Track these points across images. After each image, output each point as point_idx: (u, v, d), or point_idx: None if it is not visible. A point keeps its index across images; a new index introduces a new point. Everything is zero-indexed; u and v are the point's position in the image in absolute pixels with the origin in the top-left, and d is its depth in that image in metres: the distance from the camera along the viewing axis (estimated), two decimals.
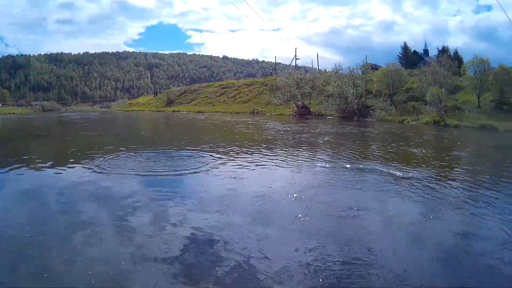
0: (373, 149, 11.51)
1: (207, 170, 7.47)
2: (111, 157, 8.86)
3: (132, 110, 49.53)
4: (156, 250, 3.63)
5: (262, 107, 36.54)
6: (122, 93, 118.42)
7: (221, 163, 8.32)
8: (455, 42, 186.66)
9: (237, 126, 20.89)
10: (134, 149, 10.45)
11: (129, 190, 5.86)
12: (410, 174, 7.19)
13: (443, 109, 24.47)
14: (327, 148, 11.64)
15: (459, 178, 7.20)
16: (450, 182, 6.79)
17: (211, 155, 9.20)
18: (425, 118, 24.53)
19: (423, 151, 10.77)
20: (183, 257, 3.51)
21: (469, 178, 7.07)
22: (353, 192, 5.99)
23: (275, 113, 32.77)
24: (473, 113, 24.52)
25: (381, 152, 10.66)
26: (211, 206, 5.07)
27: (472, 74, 28.03)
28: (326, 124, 22.19)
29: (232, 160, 8.95)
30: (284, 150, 10.99)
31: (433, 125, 23.13)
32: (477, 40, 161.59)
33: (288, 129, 19.05)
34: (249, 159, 9.06)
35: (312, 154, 10.13)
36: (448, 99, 25.79)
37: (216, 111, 37.63)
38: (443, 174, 7.56)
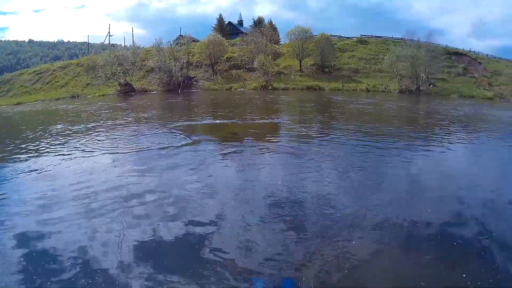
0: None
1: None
2: None
3: None
4: None
5: (82, 89, 30.61)
6: None
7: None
8: (262, 11, 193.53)
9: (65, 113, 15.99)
10: None
11: None
12: None
13: (269, 74, 24.26)
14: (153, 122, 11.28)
15: None
16: None
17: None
18: (253, 84, 23.45)
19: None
20: None
21: None
22: None
23: (97, 95, 27.22)
24: (297, 76, 25.09)
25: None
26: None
27: (288, 42, 28.97)
28: (151, 100, 19.89)
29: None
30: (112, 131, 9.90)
31: (262, 90, 22.23)
32: (285, 8, 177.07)
33: (115, 108, 16.80)
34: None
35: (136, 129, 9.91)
36: (272, 65, 25.80)
37: (36, 100, 29.22)
38: None
